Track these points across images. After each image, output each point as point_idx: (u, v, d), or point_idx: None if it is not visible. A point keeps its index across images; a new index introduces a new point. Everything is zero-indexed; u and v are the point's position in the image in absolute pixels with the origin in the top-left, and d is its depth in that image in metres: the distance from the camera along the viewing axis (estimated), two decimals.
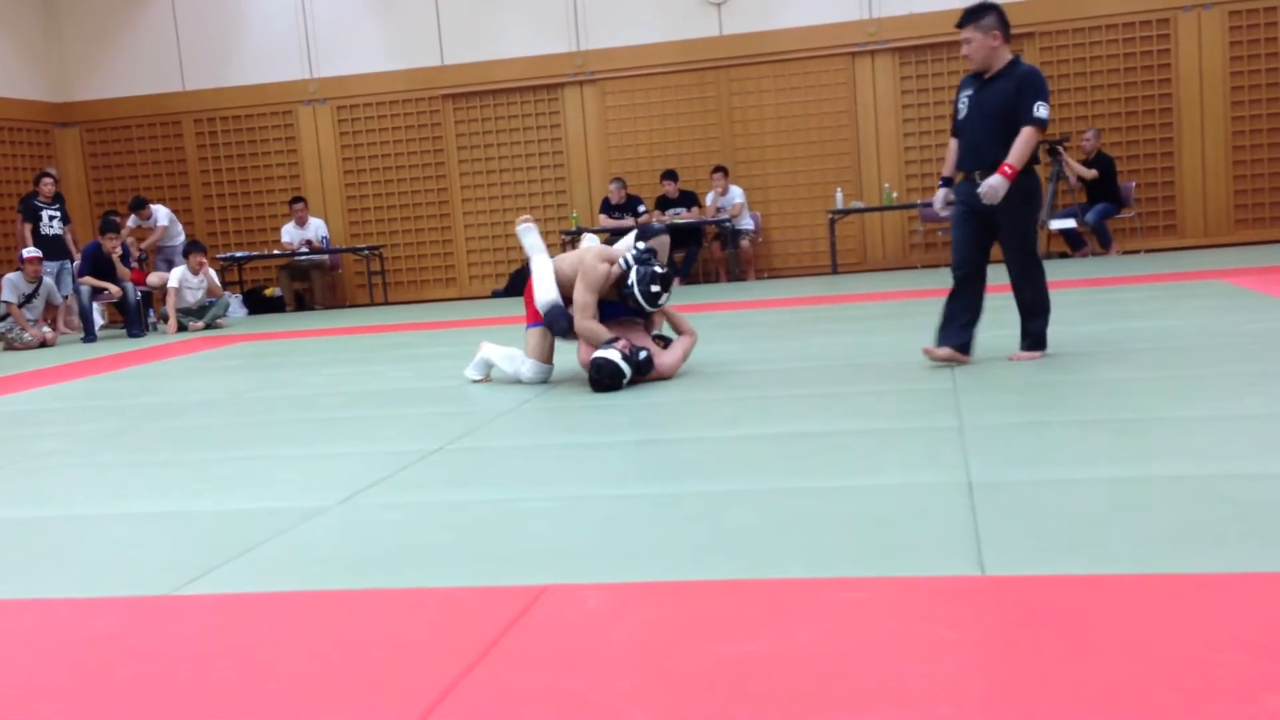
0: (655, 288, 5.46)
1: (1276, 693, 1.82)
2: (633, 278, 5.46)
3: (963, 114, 5.28)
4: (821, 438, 4.08)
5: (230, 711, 2.07)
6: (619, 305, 5.62)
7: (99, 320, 11.79)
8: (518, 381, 5.76)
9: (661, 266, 5.52)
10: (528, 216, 6.06)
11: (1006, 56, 5.18)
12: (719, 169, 12.73)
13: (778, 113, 13.09)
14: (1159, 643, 2.04)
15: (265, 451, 4.64)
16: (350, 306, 13.88)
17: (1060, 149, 11.77)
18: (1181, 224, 12.45)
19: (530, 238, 5.90)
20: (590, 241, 6.07)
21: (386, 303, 13.71)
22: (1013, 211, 5.12)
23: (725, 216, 12.62)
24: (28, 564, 3.22)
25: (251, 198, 14.37)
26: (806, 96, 13.01)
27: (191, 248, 11.92)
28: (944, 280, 5.58)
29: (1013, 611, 2.28)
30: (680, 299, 5.89)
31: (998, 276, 5.42)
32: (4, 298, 10.63)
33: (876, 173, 12.90)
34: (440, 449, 4.34)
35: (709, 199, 12.82)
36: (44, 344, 10.70)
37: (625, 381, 5.33)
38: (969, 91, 5.27)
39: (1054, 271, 10.32)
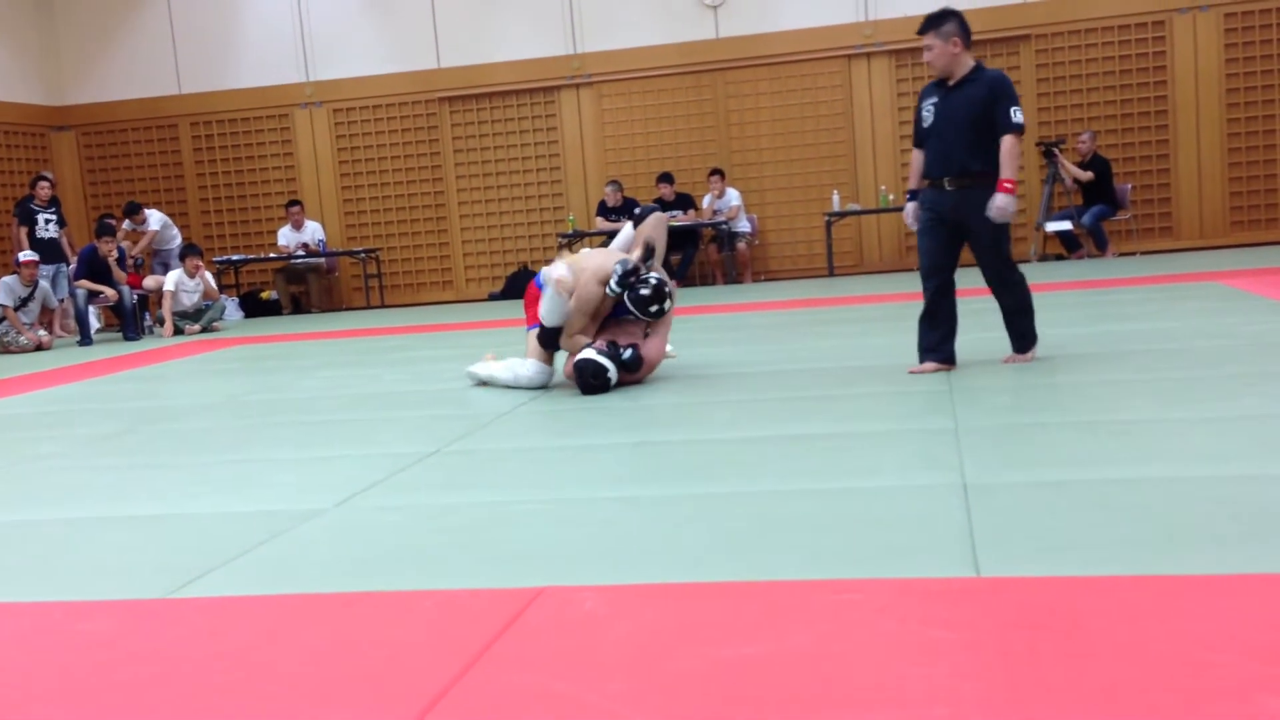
0: (652, 307, 5.47)
1: (1273, 694, 1.82)
2: (628, 304, 5.48)
3: (928, 121, 5.21)
4: (818, 440, 4.08)
5: (227, 714, 2.06)
6: (622, 306, 5.61)
7: (95, 323, 11.78)
8: (516, 385, 5.74)
9: (647, 286, 5.43)
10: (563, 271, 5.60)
11: (969, 62, 5.14)
12: (715, 172, 12.73)
13: (774, 115, 13.10)
14: (1155, 644, 2.04)
15: (262, 454, 4.64)
16: (347, 309, 13.87)
17: (1056, 151, 11.79)
18: (1177, 226, 12.46)
19: (551, 294, 5.65)
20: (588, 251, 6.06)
21: (383, 306, 13.70)
22: (987, 217, 5.06)
23: (722, 219, 12.62)
24: (23, 567, 3.22)
25: (248, 201, 14.36)
26: (803, 99, 13.02)
27: (188, 251, 11.91)
28: None
29: (1008, 613, 2.28)
30: (677, 302, 5.88)
31: (972, 280, 5.43)
32: (0, 301, 10.62)
33: (873, 175, 12.91)
34: (437, 451, 4.34)
35: (705, 202, 12.83)
36: (40, 347, 10.69)
37: (611, 378, 5.33)
38: (933, 99, 5.21)
39: (1050, 274, 10.39)
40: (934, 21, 5.12)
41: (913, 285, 10.22)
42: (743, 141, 13.21)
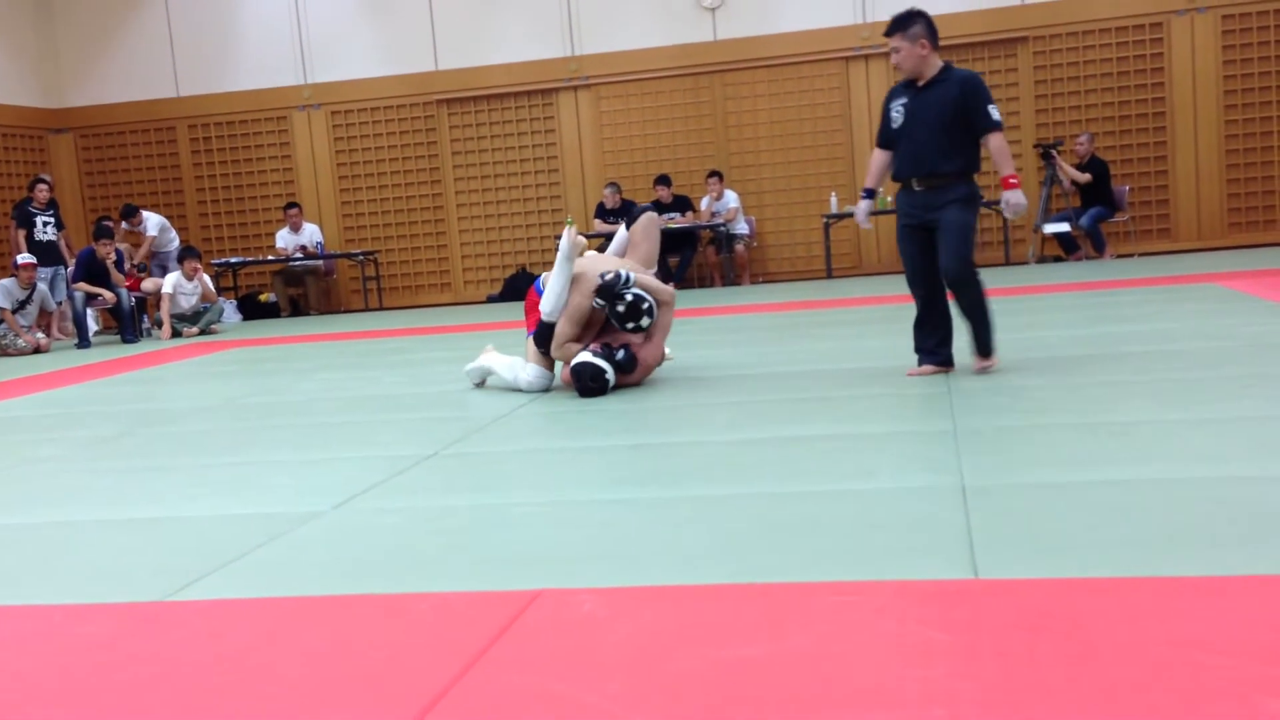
0: (629, 324, 5.44)
1: (1271, 695, 1.82)
2: (612, 319, 5.48)
3: (897, 123, 5.14)
4: (816, 442, 4.08)
5: (225, 716, 2.06)
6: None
7: (93, 326, 11.77)
8: (516, 387, 5.75)
9: (622, 301, 5.39)
10: (578, 233, 5.80)
11: (938, 63, 5.10)
12: (714, 174, 12.74)
13: (772, 117, 13.11)
14: (1153, 645, 2.05)
15: (260, 457, 4.64)
16: (345, 312, 13.87)
17: (1054, 153, 11.80)
18: (1175, 227, 12.47)
19: (565, 242, 5.72)
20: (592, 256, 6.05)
21: (381, 308, 13.70)
22: (955, 212, 5.00)
23: (720, 221, 12.63)
24: (21, 570, 3.22)
25: (246, 203, 14.36)
26: (801, 101, 13.03)
27: (186, 253, 11.90)
28: None
29: (1007, 614, 2.28)
30: (675, 304, 5.87)
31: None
32: None
33: None
34: (435, 454, 4.34)
35: (704, 204, 12.83)
36: (38, 350, 10.68)
37: (610, 379, 5.33)
38: (903, 100, 5.15)
39: (1048, 275, 10.39)
40: (900, 23, 5.07)
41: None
42: (741, 144, 13.22)
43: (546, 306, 5.58)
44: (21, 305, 10.85)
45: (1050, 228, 11.89)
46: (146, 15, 14.21)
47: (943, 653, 2.08)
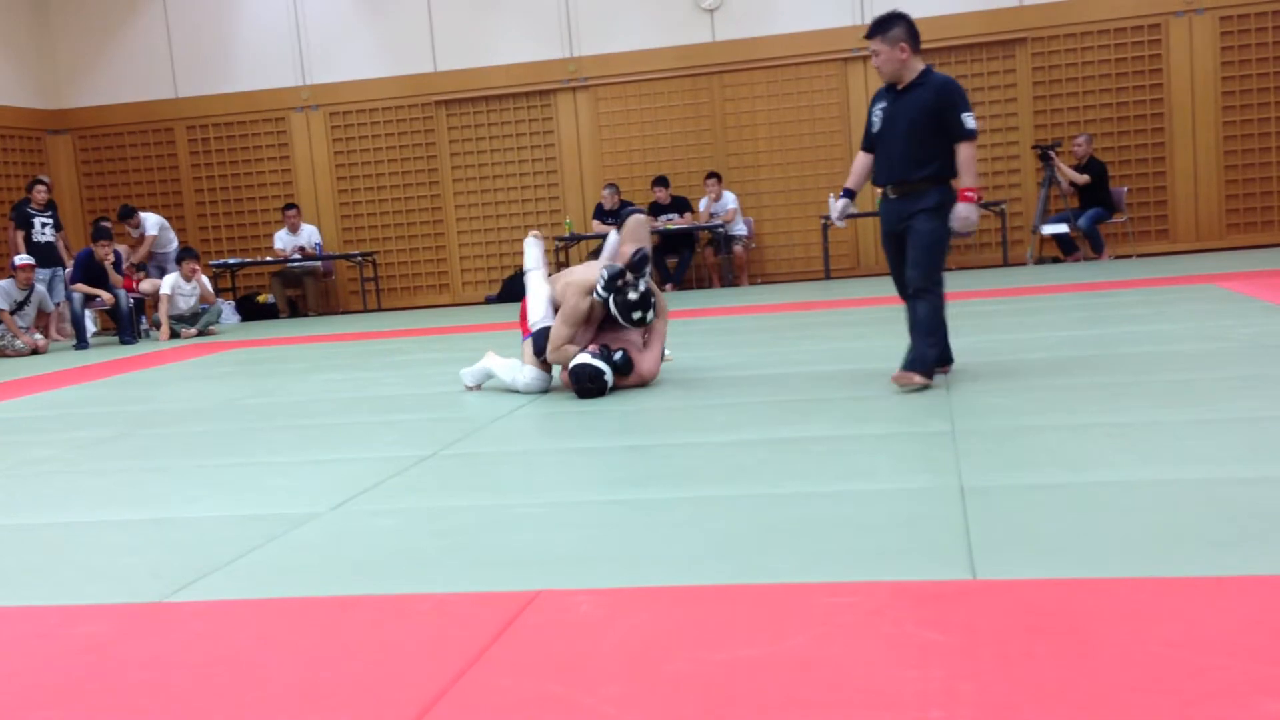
0: (636, 314, 5.45)
1: (1269, 695, 1.82)
2: (613, 309, 5.48)
3: (877, 127, 5.07)
4: (814, 443, 4.08)
5: (222, 718, 2.06)
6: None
7: (91, 327, 11.77)
8: (514, 388, 5.75)
9: (635, 289, 5.43)
10: (537, 231, 6.22)
11: (918, 67, 4.98)
12: (712, 175, 12.74)
13: (770, 118, 13.11)
14: (1151, 646, 2.05)
15: (258, 458, 4.64)
16: (343, 313, 13.86)
17: (1052, 154, 11.80)
18: (1173, 228, 12.48)
19: (532, 252, 5.98)
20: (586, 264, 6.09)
21: (380, 309, 13.69)
22: (923, 221, 4.90)
23: (718, 222, 12.63)
24: (19, 571, 3.21)
25: (244, 204, 14.36)
26: (799, 102, 13.03)
27: (184, 254, 11.90)
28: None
29: (1004, 615, 2.28)
30: (674, 304, 5.89)
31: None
32: None
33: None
34: (433, 455, 4.34)
35: (702, 205, 12.83)
36: (36, 351, 10.68)
37: (608, 380, 5.34)
38: (883, 104, 5.07)
39: (1047, 276, 10.40)
40: (881, 26, 4.97)
41: None
42: (739, 145, 13.21)
43: (535, 316, 5.61)
44: (20, 306, 10.84)
45: (1048, 229, 11.89)
46: (145, 16, 14.20)
47: (940, 653, 2.08)
